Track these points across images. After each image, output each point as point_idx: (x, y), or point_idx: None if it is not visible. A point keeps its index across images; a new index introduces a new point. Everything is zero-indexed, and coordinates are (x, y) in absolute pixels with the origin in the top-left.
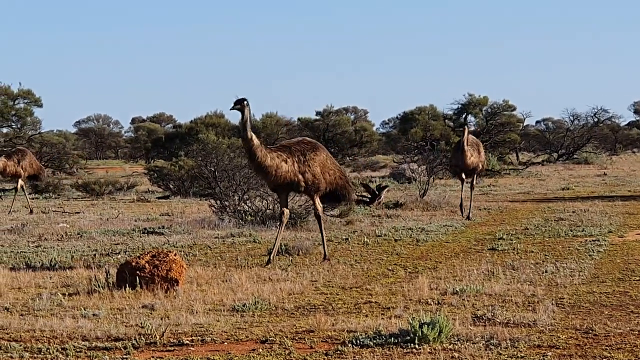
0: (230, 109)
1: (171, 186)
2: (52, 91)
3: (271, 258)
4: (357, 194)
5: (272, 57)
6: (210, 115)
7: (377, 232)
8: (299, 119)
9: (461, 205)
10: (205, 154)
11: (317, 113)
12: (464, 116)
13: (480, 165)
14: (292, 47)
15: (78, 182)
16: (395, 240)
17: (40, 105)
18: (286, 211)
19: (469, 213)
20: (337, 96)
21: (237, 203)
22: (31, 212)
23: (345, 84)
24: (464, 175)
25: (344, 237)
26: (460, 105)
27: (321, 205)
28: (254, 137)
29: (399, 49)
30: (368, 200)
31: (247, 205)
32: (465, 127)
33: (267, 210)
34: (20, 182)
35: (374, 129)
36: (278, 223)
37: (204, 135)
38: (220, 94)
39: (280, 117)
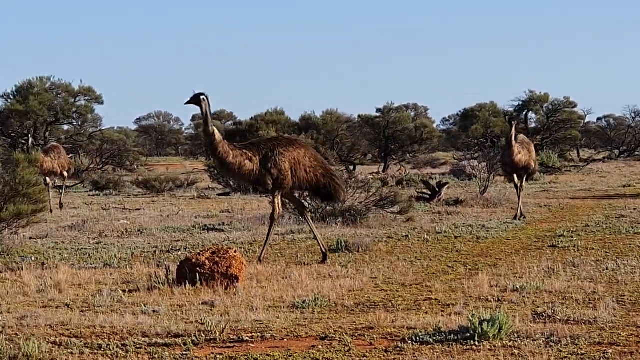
0: (185, 104)
1: (231, 183)
2: (113, 88)
3: (326, 255)
4: (417, 190)
5: (334, 54)
6: (271, 113)
7: (437, 229)
8: (359, 116)
9: (519, 207)
10: None
11: (378, 110)
12: (524, 113)
13: (532, 164)
14: (354, 44)
15: (138, 179)
16: (455, 237)
17: (101, 103)
18: (300, 204)
19: (520, 201)
20: (398, 93)
21: None
22: (51, 211)
23: (406, 80)
24: (515, 177)
25: (404, 234)
26: (520, 102)
27: (280, 208)
28: (216, 132)
29: (458, 45)
30: (428, 197)
31: (307, 202)
32: (513, 122)
33: (327, 207)
34: (48, 179)
35: (435, 125)
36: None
37: (264, 132)
38: (281, 91)
39: (341, 114)
